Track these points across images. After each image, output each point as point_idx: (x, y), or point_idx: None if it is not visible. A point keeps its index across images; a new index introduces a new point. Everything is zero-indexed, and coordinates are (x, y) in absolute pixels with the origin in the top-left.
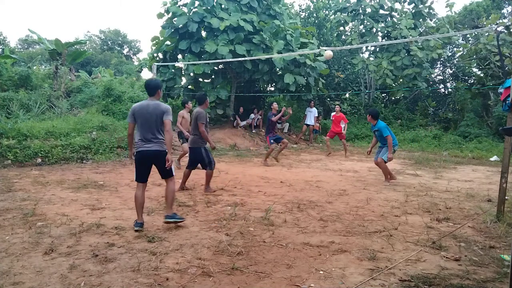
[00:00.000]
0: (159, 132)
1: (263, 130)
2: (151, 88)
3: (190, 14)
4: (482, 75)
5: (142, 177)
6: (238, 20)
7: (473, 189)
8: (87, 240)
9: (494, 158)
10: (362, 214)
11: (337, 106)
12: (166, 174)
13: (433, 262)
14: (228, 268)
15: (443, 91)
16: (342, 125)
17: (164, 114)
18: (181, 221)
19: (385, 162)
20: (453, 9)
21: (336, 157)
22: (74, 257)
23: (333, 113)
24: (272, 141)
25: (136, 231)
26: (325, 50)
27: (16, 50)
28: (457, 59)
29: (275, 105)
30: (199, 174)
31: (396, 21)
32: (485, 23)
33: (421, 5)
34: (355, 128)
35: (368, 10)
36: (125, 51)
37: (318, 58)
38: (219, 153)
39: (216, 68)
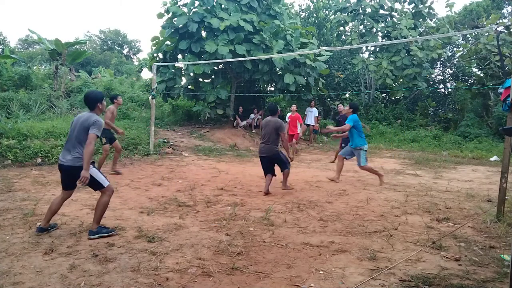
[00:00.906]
0: (78, 145)
1: None
2: (89, 101)
3: (190, 14)
4: (482, 75)
5: (63, 185)
6: (238, 20)
7: (473, 189)
8: (87, 240)
9: (494, 158)
10: (362, 214)
11: (293, 105)
12: (94, 186)
13: (433, 262)
14: (228, 268)
15: (443, 91)
16: (299, 126)
17: (90, 127)
18: (109, 235)
19: (362, 166)
20: (453, 9)
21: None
22: (74, 257)
23: (288, 114)
24: (343, 145)
25: (36, 235)
26: None
27: (16, 50)
28: (457, 59)
29: (340, 107)
30: (199, 175)
31: (396, 21)
32: (485, 23)
33: (421, 5)
34: None
35: (368, 10)
36: (125, 51)
37: (318, 58)
38: (219, 153)
39: (216, 68)
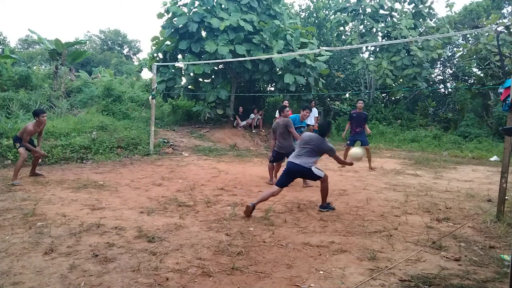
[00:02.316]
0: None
1: (263, 130)
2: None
3: (190, 14)
4: (482, 75)
5: (284, 183)
6: (238, 20)
7: (473, 189)
8: (87, 240)
9: (494, 158)
10: (362, 214)
11: (285, 101)
12: (315, 178)
13: (433, 262)
14: (228, 268)
15: (443, 91)
16: None
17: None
18: (330, 210)
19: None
20: (453, 9)
21: None
22: (74, 257)
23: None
24: (348, 142)
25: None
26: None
27: (16, 50)
28: (457, 59)
29: (360, 104)
30: (199, 175)
31: (396, 21)
32: (485, 23)
33: (421, 5)
34: None
35: (368, 10)
36: (125, 51)
37: (318, 58)
38: (219, 153)
39: (216, 68)
